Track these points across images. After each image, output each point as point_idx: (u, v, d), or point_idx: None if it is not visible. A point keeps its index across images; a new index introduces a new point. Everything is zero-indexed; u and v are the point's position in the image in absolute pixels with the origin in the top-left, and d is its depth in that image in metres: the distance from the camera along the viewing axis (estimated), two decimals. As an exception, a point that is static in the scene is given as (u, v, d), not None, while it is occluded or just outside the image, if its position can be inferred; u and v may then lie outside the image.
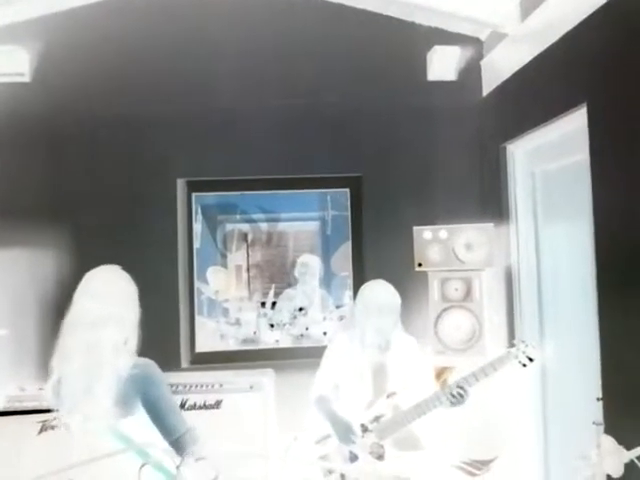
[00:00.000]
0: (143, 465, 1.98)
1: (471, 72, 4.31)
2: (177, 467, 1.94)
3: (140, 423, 2.13)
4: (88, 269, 2.27)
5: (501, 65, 3.95)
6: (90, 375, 2.08)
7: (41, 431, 3.28)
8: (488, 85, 4.21)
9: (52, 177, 4.10)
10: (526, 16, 3.52)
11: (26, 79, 4.03)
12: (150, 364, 2.18)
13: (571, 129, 3.15)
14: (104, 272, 2.27)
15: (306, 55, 4.25)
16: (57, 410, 2.15)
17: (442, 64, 4.22)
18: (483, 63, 4.30)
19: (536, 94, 3.47)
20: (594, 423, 2.02)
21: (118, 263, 2.35)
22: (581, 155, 2.98)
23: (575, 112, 3.03)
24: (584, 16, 2.86)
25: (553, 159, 3.53)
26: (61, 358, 2.14)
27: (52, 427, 3.21)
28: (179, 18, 4.17)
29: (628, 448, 1.92)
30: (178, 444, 2.10)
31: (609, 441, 1.96)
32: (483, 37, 4.31)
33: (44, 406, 2.15)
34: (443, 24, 4.25)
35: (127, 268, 2.33)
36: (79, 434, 2.09)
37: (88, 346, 2.10)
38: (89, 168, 4.14)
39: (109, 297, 2.17)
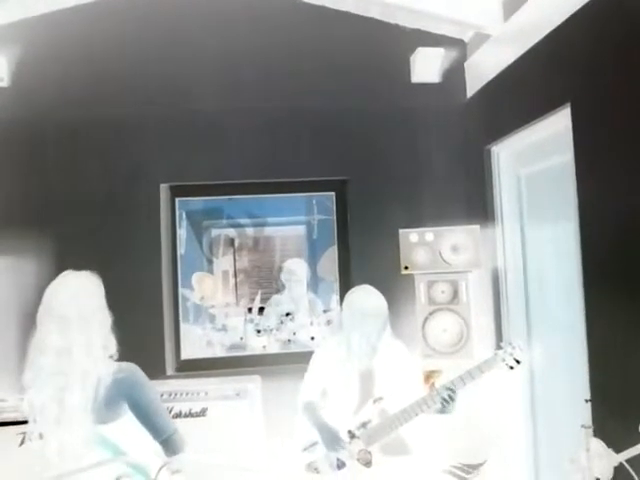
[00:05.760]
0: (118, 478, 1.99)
1: (455, 74, 4.30)
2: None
3: (124, 428, 2.12)
4: (69, 276, 2.23)
5: (485, 66, 3.94)
6: (66, 384, 2.06)
7: (22, 442, 3.22)
8: (472, 87, 4.21)
9: (31, 183, 4.02)
10: (509, 17, 3.52)
11: (4, 84, 3.97)
12: (134, 367, 2.19)
13: (555, 130, 3.15)
14: (67, 280, 2.22)
15: (290, 58, 4.22)
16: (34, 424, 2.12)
17: (426, 66, 4.21)
18: (467, 64, 4.29)
19: (520, 95, 3.46)
20: (583, 426, 2.00)
21: (100, 270, 2.32)
22: (566, 156, 2.97)
23: (559, 112, 3.02)
24: (567, 16, 2.86)
25: (538, 160, 3.52)
26: (34, 374, 2.11)
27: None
28: (159, 22, 4.12)
29: (617, 451, 1.90)
30: (168, 444, 2.14)
31: (598, 444, 1.94)
32: (466, 38, 4.31)
33: (25, 417, 2.14)
34: (426, 26, 4.24)
35: (110, 275, 2.32)
36: (58, 447, 2.05)
37: (59, 353, 2.08)
38: (69, 173, 4.06)
39: (76, 306, 2.12)
